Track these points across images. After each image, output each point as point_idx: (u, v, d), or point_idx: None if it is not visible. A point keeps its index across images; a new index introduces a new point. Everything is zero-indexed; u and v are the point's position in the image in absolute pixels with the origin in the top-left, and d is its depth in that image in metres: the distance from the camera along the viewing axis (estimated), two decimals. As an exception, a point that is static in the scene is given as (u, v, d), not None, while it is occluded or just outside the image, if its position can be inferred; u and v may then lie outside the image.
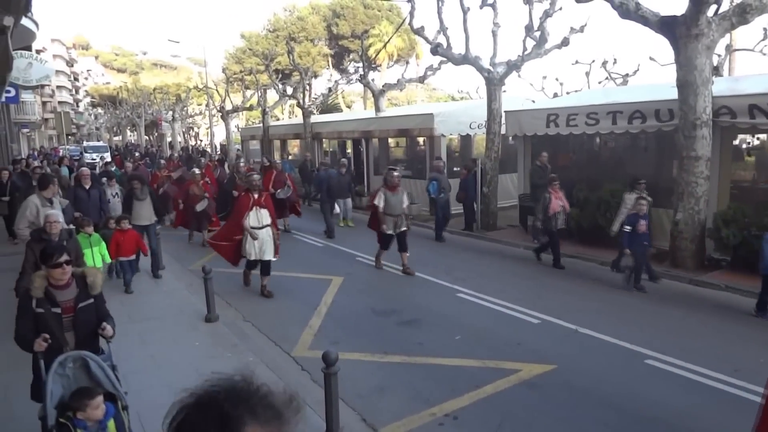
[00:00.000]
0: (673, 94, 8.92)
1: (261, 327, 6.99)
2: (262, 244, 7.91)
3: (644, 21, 8.79)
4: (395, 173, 9.60)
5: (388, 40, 30.72)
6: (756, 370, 5.34)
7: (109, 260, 7.74)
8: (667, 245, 9.34)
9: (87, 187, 9.22)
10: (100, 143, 49.35)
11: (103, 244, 7.56)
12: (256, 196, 7.98)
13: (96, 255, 7.30)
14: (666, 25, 8.62)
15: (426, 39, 13.84)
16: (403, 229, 9.33)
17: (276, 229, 8.17)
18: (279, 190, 12.74)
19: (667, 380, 5.33)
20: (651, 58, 18.83)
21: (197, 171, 12.65)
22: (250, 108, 32.72)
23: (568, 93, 21.96)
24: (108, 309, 4.05)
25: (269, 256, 8.03)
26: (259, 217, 7.92)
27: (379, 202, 9.31)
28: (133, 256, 8.28)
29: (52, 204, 6.93)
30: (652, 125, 9.76)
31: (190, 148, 43.10)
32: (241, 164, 12.80)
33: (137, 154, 28.41)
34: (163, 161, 17.70)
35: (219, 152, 33.12)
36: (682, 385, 5.25)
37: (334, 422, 4.21)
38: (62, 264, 3.69)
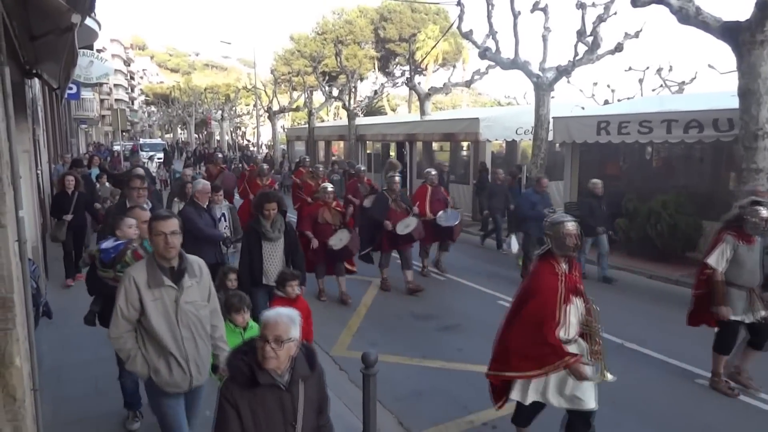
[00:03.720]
0: (734, 103, 8.54)
1: (301, 325, 7.05)
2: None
3: (705, 27, 8.46)
4: (763, 212, 4.87)
5: (436, 44, 30.68)
6: (818, 397, 5.04)
7: None
8: (721, 261, 8.93)
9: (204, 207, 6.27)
10: (157, 140, 50.10)
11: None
12: (564, 266, 3.81)
13: None
14: (728, 31, 8.26)
15: (474, 43, 13.75)
16: (762, 314, 5.04)
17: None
18: (441, 213, 8.86)
19: (720, 401, 5.09)
20: (710, 66, 18.11)
21: (329, 187, 7.85)
22: (297, 109, 33.25)
23: (619, 100, 21.37)
24: None
25: (590, 400, 3.88)
26: (577, 317, 3.89)
27: (719, 262, 5.01)
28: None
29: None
30: (709, 135, 9.37)
31: (266, 149, 37.67)
32: (397, 179, 8.52)
33: (220, 155, 18.74)
34: (266, 167, 11.79)
35: (268, 154, 32.34)
36: (736, 407, 5.00)
37: (371, 424, 4.19)
38: None
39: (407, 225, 8.18)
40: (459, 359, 6.01)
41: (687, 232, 9.70)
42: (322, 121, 33.61)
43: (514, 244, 9.45)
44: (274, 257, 5.52)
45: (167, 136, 68.05)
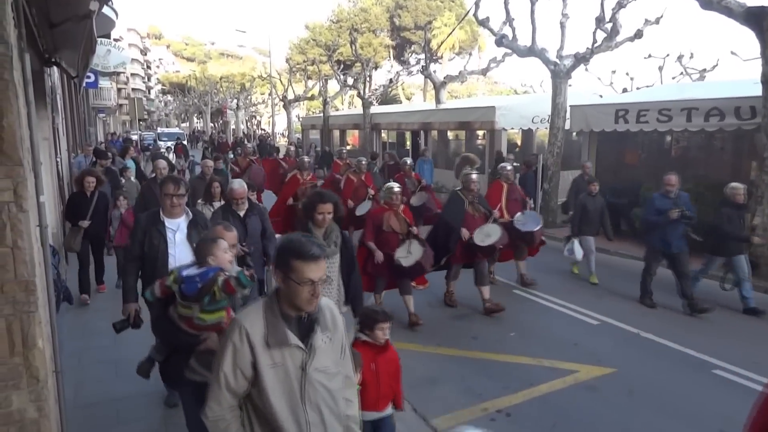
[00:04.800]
0: (756, 90, 8.37)
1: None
2: None
3: (728, 12, 8.27)
4: None
5: (452, 31, 30.40)
6: (839, 389, 4.95)
7: None
8: (741, 251, 8.80)
9: (242, 214, 5.25)
10: (176, 129, 49.80)
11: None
12: None
13: None
14: (753, 17, 8.08)
15: (491, 30, 13.59)
16: None
17: None
18: (518, 215, 7.54)
19: (737, 393, 5.03)
20: (732, 53, 17.68)
21: (396, 187, 6.46)
22: (312, 98, 33.24)
23: (638, 88, 21.04)
24: None
25: None
26: None
27: None
28: (389, 410, 3.62)
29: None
30: (731, 123, 9.19)
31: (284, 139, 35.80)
32: (474, 177, 7.07)
33: (249, 144, 15.30)
34: (307, 159, 9.99)
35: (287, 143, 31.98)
36: (753, 399, 4.93)
37: (386, 410, 4.21)
38: None
39: (488, 234, 6.79)
40: (474, 347, 6.02)
41: (706, 223, 9.55)
42: (337, 109, 33.63)
43: (578, 250, 8.22)
44: (329, 279, 3.92)
45: (183, 125, 68.52)
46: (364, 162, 9.94)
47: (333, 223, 4.29)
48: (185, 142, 32.27)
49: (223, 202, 6.20)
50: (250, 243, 4.95)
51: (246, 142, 23.28)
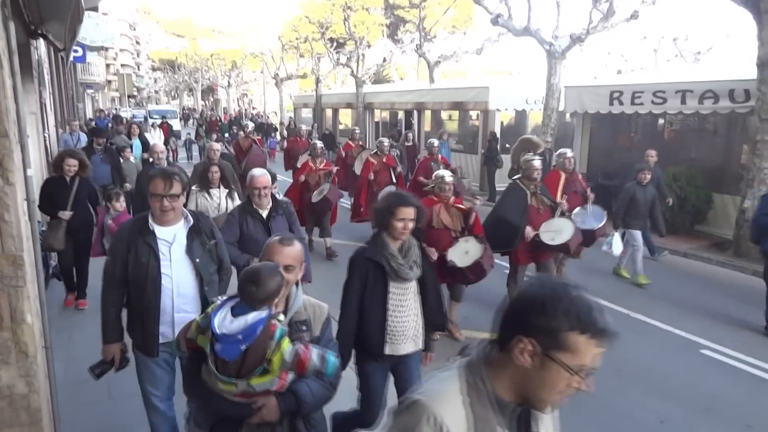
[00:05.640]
0: (751, 73, 8.36)
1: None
2: None
3: (725, -7, 8.22)
4: None
5: (446, 10, 30.05)
6: (823, 369, 5.04)
7: None
8: (731, 234, 8.88)
9: (264, 214, 4.56)
10: (168, 106, 48.43)
11: None
12: None
13: None
14: (750, -2, 8.04)
15: (486, 9, 13.45)
16: None
17: None
18: (577, 210, 6.59)
19: (724, 372, 5.12)
20: (728, 35, 17.64)
21: (448, 176, 5.33)
22: (304, 76, 32.88)
23: (632, 71, 20.99)
24: None
25: None
26: None
27: None
28: None
29: None
30: (725, 106, 9.20)
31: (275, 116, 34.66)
32: (537, 164, 5.81)
33: (251, 124, 13.91)
34: (320, 144, 8.81)
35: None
36: (740, 378, 5.02)
37: (378, 387, 4.22)
38: None
39: (558, 230, 5.74)
40: (465, 327, 6.05)
41: (697, 205, 9.63)
42: (329, 88, 33.31)
43: (616, 245, 7.22)
44: (404, 308, 3.22)
45: (174, 102, 67.71)
46: (386, 143, 9.13)
47: (411, 237, 3.25)
48: (176, 120, 31.44)
49: (222, 189, 5.65)
50: None
51: (242, 120, 22.65)
